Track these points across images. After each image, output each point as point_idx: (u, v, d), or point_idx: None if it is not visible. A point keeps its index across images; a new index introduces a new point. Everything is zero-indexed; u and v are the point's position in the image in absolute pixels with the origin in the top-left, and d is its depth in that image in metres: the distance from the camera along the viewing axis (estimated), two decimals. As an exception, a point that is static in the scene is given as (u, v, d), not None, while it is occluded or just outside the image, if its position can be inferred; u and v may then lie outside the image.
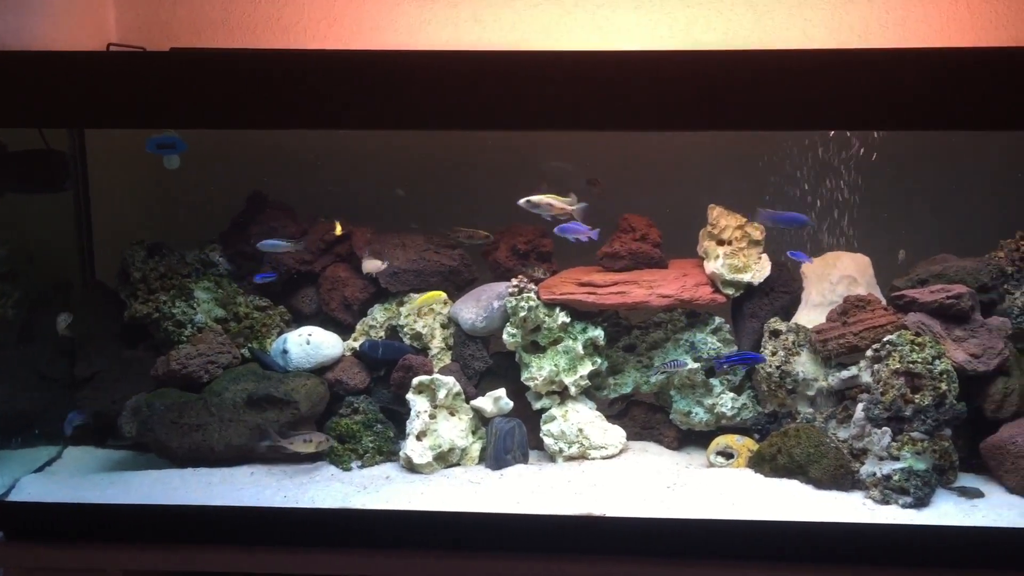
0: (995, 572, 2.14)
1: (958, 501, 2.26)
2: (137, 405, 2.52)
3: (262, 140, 2.84)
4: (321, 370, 2.62)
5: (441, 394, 2.55)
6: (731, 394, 2.63)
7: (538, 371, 2.60)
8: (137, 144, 2.53)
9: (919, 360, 2.30)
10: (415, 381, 2.55)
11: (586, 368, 2.62)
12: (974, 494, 2.27)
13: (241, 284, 2.74)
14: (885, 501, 2.24)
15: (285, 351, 2.59)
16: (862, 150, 2.69)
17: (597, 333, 2.63)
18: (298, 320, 2.75)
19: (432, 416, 2.53)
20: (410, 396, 2.55)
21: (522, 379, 2.62)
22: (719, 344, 2.62)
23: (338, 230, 2.73)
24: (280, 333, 2.68)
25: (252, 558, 2.25)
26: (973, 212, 2.77)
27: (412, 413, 2.53)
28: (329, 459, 2.53)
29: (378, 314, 2.71)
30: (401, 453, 2.50)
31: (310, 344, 2.60)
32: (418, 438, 2.50)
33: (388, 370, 2.65)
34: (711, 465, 2.52)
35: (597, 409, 2.67)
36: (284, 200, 2.83)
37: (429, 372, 2.59)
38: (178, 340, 2.59)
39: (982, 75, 2.02)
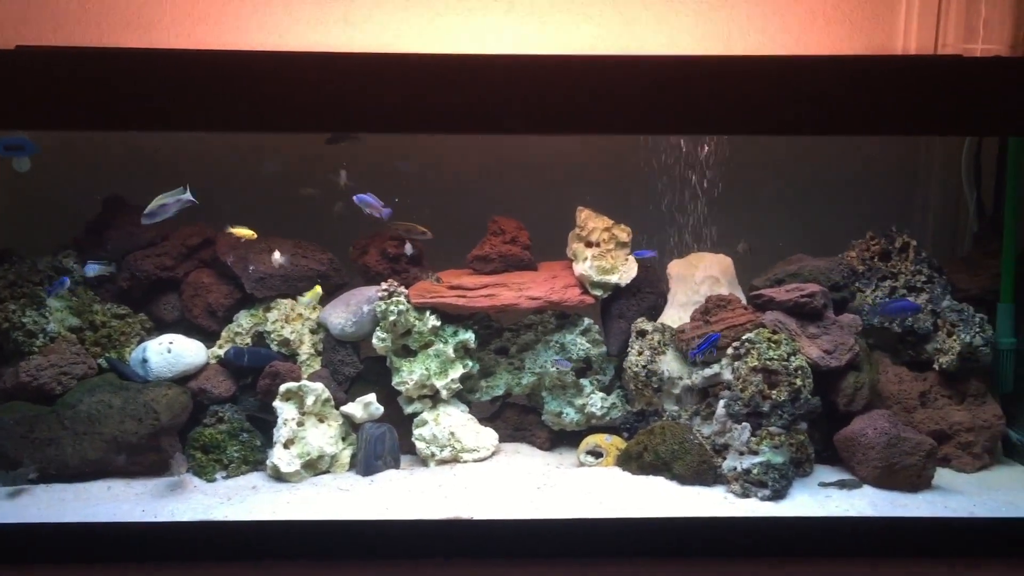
0: (849, 559, 2.22)
1: (814, 492, 2.34)
2: (-17, 420, 2.40)
3: (124, 141, 2.76)
4: (184, 379, 2.54)
5: (309, 401, 2.50)
6: (601, 394, 2.67)
7: (409, 375, 2.59)
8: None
9: (775, 357, 2.37)
10: (282, 388, 2.50)
11: (457, 371, 2.62)
12: (853, 485, 2.36)
13: (98, 291, 2.64)
14: (745, 494, 2.31)
15: (145, 360, 2.50)
16: (718, 153, 2.77)
17: (468, 336, 2.63)
18: (160, 328, 2.66)
19: (300, 423, 2.49)
20: (277, 403, 2.50)
21: (393, 384, 2.60)
22: (588, 345, 2.65)
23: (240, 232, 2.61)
24: (140, 342, 2.58)
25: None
26: (828, 214, 2.88)
27: (279, 421, 2.48)
28: (192, 470, 2.45)
29: (244, 320, 2.65)
30: (268, 462, 2.45)
31: (171, 352, 2.52)
32: (286, 446, 2.45)
33: (255, 378, 2.59)
34: (581, 464, 2.54)
35: (470, 412, 2.67)
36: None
37: (297, 378, 2.54)
38: (29, 351, 2.46)
39: (837, 82, 2.09)
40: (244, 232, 2.56)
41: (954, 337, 2.50)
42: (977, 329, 2.49)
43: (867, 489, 2.36)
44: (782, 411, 2.36)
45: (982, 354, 2.49)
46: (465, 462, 2.56)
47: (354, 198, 2.55)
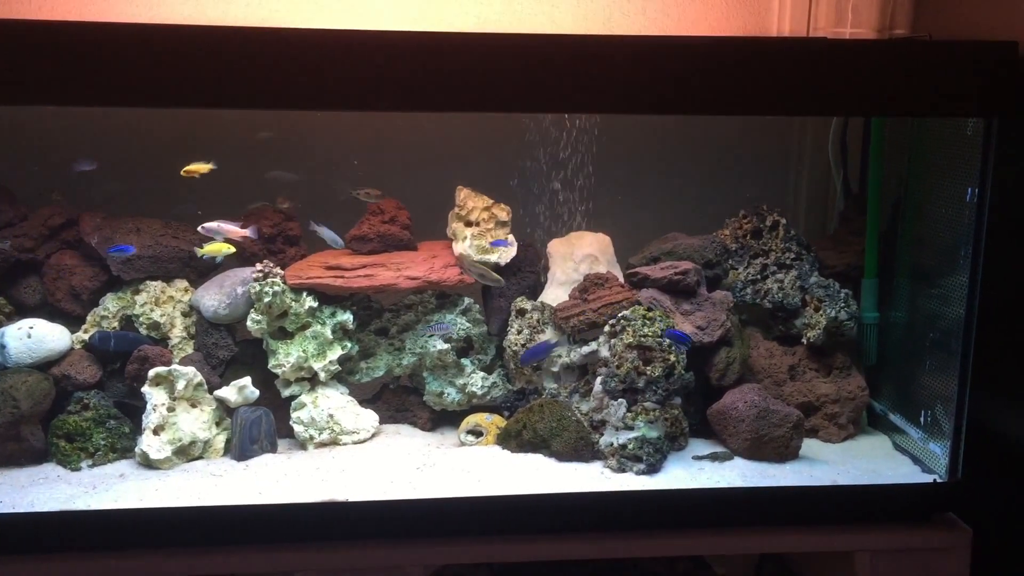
0: (720, 529, 2.29)
1: (687, 465, 2.39)
2: None
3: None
4: (46, 365, 2.43)
5: (180, 385, 2.43)
6: (482, 373, 2.66)
7: (286, 358, 2.54)
8: None
9: (650, 334, 2.41)
10: (151, 373, 2.41)
11: (336, 353, 2.58)
12: (725, 457, 2.41)
13: (-47, 275, 2.51)
14: (621, 469, 2.34)
15: (3, 346, 2.38)
16: (597, 133, 2.80)
17: (346, 317, 2.59)
18: (21, 312, 2.53)
19: (171, 409, 2.41)
20: (146, 389, 2.41)
21: (269, 367, 2.55)
22: (469, 324, 2.65)
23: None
24: (-1, 327, 2.47)
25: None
26: (704, 192, 2.95)
27: (148, 406, 2.40)
28: (55, 460, 2.36)
29: (111, 303, 2.55)
30: (137, 449, 2.37)
31: (31, 338, 2.40)
32: (155, 432, 2.38)
33: (123, 363, 2.50)
34: (462, 444, 2.54)
35: (350, 394, 2.63)
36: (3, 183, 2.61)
37: (167, 363, 2.47)
38: None
39: (712, 62, 2.12)
40: (200, 168, 2.48)
41: (821, 312, 2.59)
42: (842, 304, 2.57)
43: (738, 461, 2.43)
44: (657, 387, 2.40)
45: (847, 328, 2.58)
46: (344, 444, 2.53)
47: (201, 227, 2.51)
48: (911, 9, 2.76)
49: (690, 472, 2.36)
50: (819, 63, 2.13)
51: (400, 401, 2.71)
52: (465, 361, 2.66)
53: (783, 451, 2.41)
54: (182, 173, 2.48)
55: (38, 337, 2.41)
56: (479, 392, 2.64)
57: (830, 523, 2.30)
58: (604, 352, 2.49)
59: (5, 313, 2.51)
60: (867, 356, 2.67)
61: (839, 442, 2.58)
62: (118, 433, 2.41)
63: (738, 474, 2.35)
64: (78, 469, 2.34)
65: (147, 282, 2.56)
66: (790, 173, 3.05)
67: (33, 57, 1.97)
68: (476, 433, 2.55)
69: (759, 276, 2.68)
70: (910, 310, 2.57)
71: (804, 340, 2.63)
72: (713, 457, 2.41)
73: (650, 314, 2.45)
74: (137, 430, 2.42)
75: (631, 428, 2.36)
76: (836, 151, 2.83)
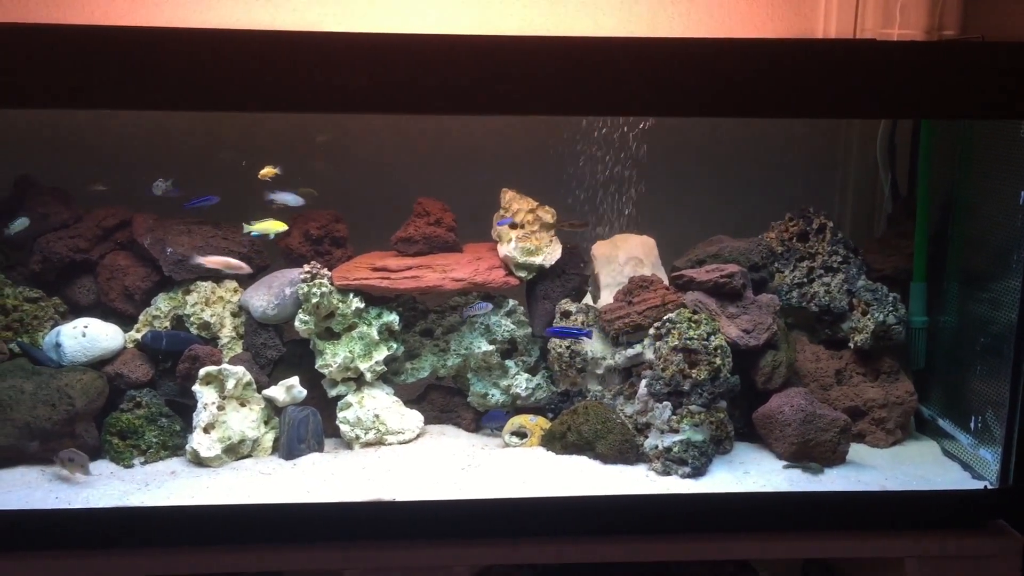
0: (766, 533, 2.27)
1: (733, 469, 2.38)
2: None
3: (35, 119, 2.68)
4: (100, 364, 2.48)
5: (230, 384, 2.46)
6: (526, 375, 2.67)
7: (332, 358, 2.56)
8: None
9: (695, 337, 2.40)
10: (202, 372, 2.45)
11: (382, 354, 2.60)
12: (816, 470, 2.37)
13: (9, 275, 2.56)
14: (666, 472, 2.34)
15: (58, 345, 2.44)
16: (642, 134, 2.80)
17: (392, 318, 2.62)
18: (75, 312, 2.59)
19: (221, 407, 2.45)
20: (197, 388, 2.45)
21: (316, 366, 2.58)
22: (513, 326, 2.66)
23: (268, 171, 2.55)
24: (54, 326, 2.51)
25: (20, 564, 2.11)
26: (749, 195, 2.93)
27: (199, 405, 2.44)
28: (109, 456, 2.41)
29: (162, 303, 2.59)
30: (188, 447, 2.41)
31: (86, 336, 2.45)
32: (205, 431, 2.42)
33: (174, 362, 2.54)
34: (506, 445, 2.55)
35: (395, 394, 2.66)
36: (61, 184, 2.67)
37: (217, 362, 2.50)
38: (-65, 336, 2.40)
39: (759, 64, 2.12)
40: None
41: (868, 316, 2.57)
42: (891, 308, 2.55)
43: (782, 465, 2.42)
44: (702, 390, 2.39)
45: (895, 332, 2.55)
46: (390, 444, 2.56)
47: (203, 260, 2.57)
48: (960, 10, 2.73)
49: (735, 476, 2.35)
50: (868, 65, 2.12)
51: (445, 402, 2.72)
52: (509, 363, 2.67)
53: (830, 456, 2.40)
54: (259, 176, 2.55)
55: (92, 336, 2.46)
56: (523, 394, 2.65)
57: (879, 529, 2.28)
58: (649, 355, 2.48)
59: (60, 312, 2.57)
60: (915, 360, 2.64)
61: (887, 447, 2.56)
62: (169, 431, 2.45)
63: (784, 478, 2.34)
64: (131, 466, 2.39)
65: (198, 283, 2.61)
66: (837, 175, 3.02)
67: (88, 62, 2.01)
68: (520, 434, 2.56)
69: (805, 279, 2.67)
70: (960, 314, 2.54)
71: (851, 344, 2.61)
72: (806, 468, 2.38)
73: (696, 317, 2.45)
74: (188, 428, 2.46)
75: (676, 431, 2.36)
76: (884, 153, 2.81)
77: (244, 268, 2.57)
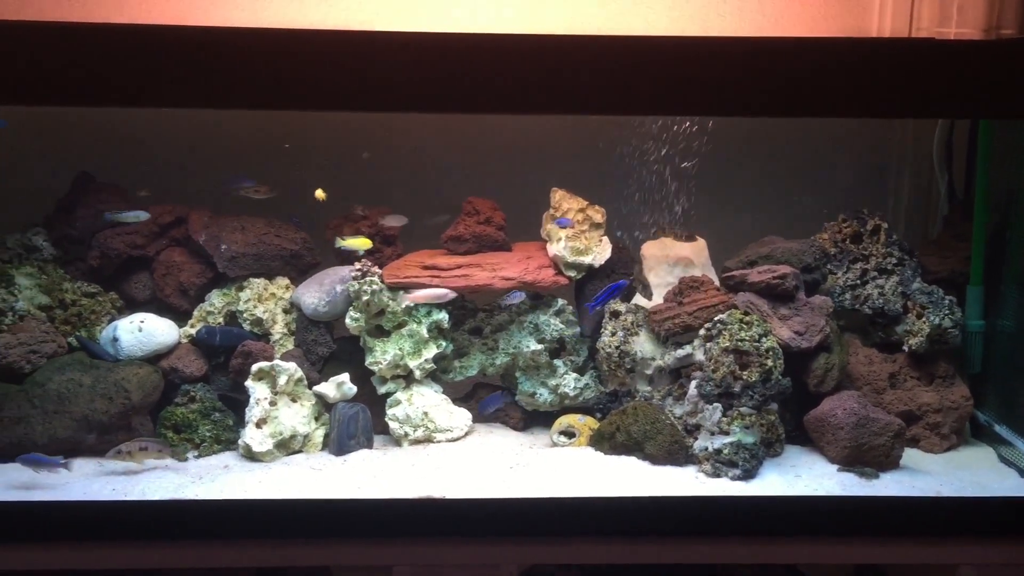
0: (816, 538, 2.25)
1: (783, 472, 2.36)
2: (-49, 398, 2.38)
3: (94, 117, 2.73)
4: (155, 358, 2.53)
5: (282, 380, 2.49)
6: (574, 375, 2.67)
7: (382, 355, 2.58)
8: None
9: (747, 338, 2.39)
10: (254, 367, 2.48)
11: (431, 352, 2.62)
12: (871, 475, 2.34)
13: (68, 270, 2.61)
14: (716, 474, 2.33)
15: (115, 339, 2.49)
16: (693, 134, 2.78)
17: (441, 316, 2.63)
18: (131, 307, 2.64)
19: (272, 403, 2.48)
20: (249, 383, 2.49)
21: (366, 364, 2.60)
22: (562, 325, 2.66)
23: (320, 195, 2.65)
24: (111, 320, 2.56)
25: (79, 554, 2.15)
26: (800, 196, 2.90)
27: (251, 400, 2.47)
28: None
29: (216, 299, 2.63)
30: (240, 441, 2.45)
31: (142, 331, 2.50)
32: (258, 425, 2.45)
33: (227, 357, 2.57)
34: (554, 445, 2.55)
35: (443, 392, 2.67)
36: (117, 181, 2.72)
37: (269, 358, 2.53)
38: (-2, 329, 2.45)
39: (812, 64, 2.10)
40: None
41: (924, 319, 2.53)
42: (946, 311, 2.51)
43: (835, 469, 2.39)
44: (753, 392, 2.37)
45: (951, 336, 2.51)
46: (438, 442, 2.57)
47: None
48: (1019, 8, 2.67)
49: (786, 479, 2.33)
50: (924, 64, 2.09)
51: (496, 395, 2.73)
52: (558, 362, 2.67)
53: (883, 460, 2.36)
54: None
55: (149, 331, 2.51)
56: (571, 393, 2.65)
57: (933, 535, 2.24)
58: (699, 356, 2.47)
59: (117, 307, 2.62)
60: (971, 365, 2.59)
61: (941, 453, 2.52)
62: (222, 425, 2.49)
63: (836, 482, 2.31)
64: (185, 459, 2.42)
65: (251, 279, 2.64)
66: (891, 176, 2.98)
67: (143, 61, 2.05)
68: (569, 434, 2.56)
69: (859, 281, 2.63)
70: (1018, 318, 2.49)
71: (905, 347, 2.57)
72: (860, 473, 2.35)
73: (747, 318, 2.43)
74: (240, 423, 2.50)
75: (726, 433, 2.34)
76: (941, 154, 2.76)
77: (449, 295, 2.57)
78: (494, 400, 2.64)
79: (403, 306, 2.58)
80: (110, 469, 2.32)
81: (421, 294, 2.55)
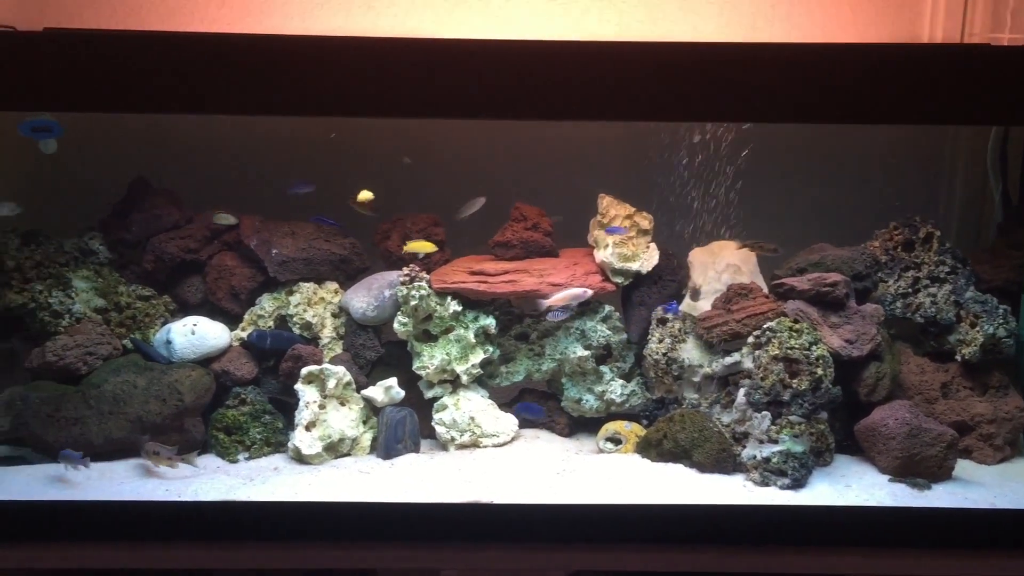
0: (867, 549, 2.22)
1: (834, 482, 2.34)
2: (10, 398, 2.42)
3: (149, 124, 2.77)
4: (207, 361, 2.56)
5: (331, 384, 2.52)
6: (621, 381, 2.67)
7: (430, 360, 2.60)
8: (10, 127, 2.43)
9: (797, 346, 2.37)
10: (304, 371, 2.51)
11: (478, 357, 2.63)
12: (923, 486, 2.31)
13: (123, 273, 2.66)
14: (764, 483, 2.31)
15: (169, 342, 2.53)
16: (741, 140, 2.77)
17: (489, 322, 2.64)
18: (184, 310, 2.68)
19: (322, 406, 2.51)
20: (299, 386, 2.51)
21: (414, 368, 2.61)
22: (609, 332, 2.66)
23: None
24: (164, 323, 2.61)
25: (132, 554, 2.19)
26: (849, 203, 2.87)
27: (301, 403, 2.49)
28: (215, 451, 2.48)
29: (267, 303, 2.66)
30: (290, 444, 2.47)
31: (195, 334, 2.54)
32: (307, 428, 2.47)
33: (277, 360, 2.60)
34: (600, 451, 2.55)
35: (489, 397, 2.68)
36: (172, 186, 2.77)
37: (319, 362, 2.56)
38: (55, 331, 2.49)
39: (863, 70, 2.08)
40: (423, 246, 2.65)
41: (977, 328, 2.49)
42: (1000, 320, 2.47)
43: (886, 479, 2.36)
44: (803, 400, 2.35)
45: (1005, 345, 2.48)
46: (485, 447, 2.58)
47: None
48: (1075, 13, 2.64)
49: (837, 489, 2.31)
50: (978, 70, 2.06)
51: (539, 406, 2.73)
52: (604, 368, 2.67)
53: (936, 471, 2.33)
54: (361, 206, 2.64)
55: (201, 334, 2.54)
56: (618, 400, 2.65)
57: (986, 547, 2.21)
58: (747, 363, 2.46)
59: (170, 310, 2.66)
60: (1026, 375, 2.56)
61: (994, 464, 2.48)
62: (272, 428, 2.52)
63: (887, 493, 2.29)
64: (235, 461, 2.46)
65: (300, 284, 2.67)
66: (943, 183, 2.94)
67: (201, 68, 2.09)
68: (615, 441, 2.55)
69: (910, 289, 2.60)
70: (1075, 328, 2.45)
71: (958, 357, 2.54)
72: (913, 484, 2.32)
73: (797, 326, 2.41)
74: (289, 426, 2.52)
75: (775, 441, 2.32)
76: (995, 161, 2.72)
77: (587, 293, 2.56)
78: (534, 410, 2.64)
79: (450, 310, 2.59)
80: (163, 469, 2.36)
81: (560, 296, 2.54)
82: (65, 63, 2.10)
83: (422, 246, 2.65)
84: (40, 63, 2.10)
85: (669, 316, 2.63)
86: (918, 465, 2.33)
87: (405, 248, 2.67)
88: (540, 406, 2.67)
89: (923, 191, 2.94)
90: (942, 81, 2.07)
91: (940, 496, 2.28)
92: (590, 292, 2.55)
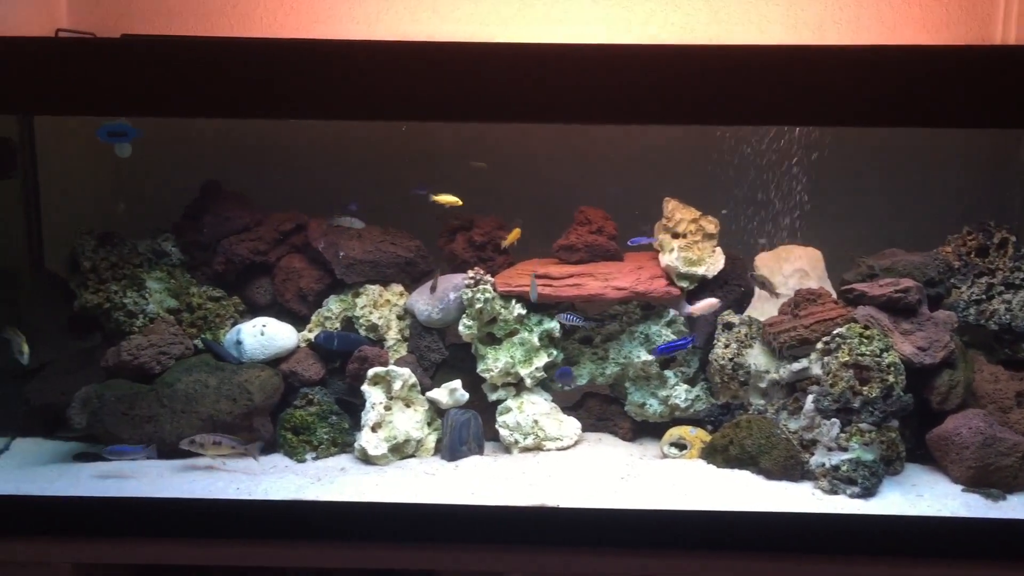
0: (940, 560, 2.18)
1: (905, 491, 2.30)
2: (87, 396, 2.49)
3: (223, 128, 2.83)
4: (276, 361, 2.60)
5: (396, 385, 2.54)
6: (685, 386, 2.65)
7: (494, 363, 2.61)
8: (88, 132, 2.49)
9: (867, 353, 2.33)
10: (370, 372, 2.54)
11: (542, 360, 2.63)
12: (997, 496, 2.28)
13: (194, 275, 2.72)
14: (833, 491, 2.28)
15: (239, 342, 2.57)
16: (809, 144, 2.74)
17: (553, 325, 2.64)
18: (252, 311, 2.73)
19: (387, 408, 2.53)
20: (365, 388, 2.54)
21: (478, 371, 2.63)
22: (673, 336, 2.64)
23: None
24: (234, 324, 2.65)
25: (203, 551, 2.23)
26: (921, 208, 2.82)
27: (367, 404, 2.52)
28: (283, 451, 2.52)
29: (333, 305, 2.70)
30: (356, 445, 2.50)
31: (264, 335, 2.58)
32: (373, 429, 2.50)
33: (343, 361, 2.64)
34: (664, 456, 2.54)
35: (553, 401, 2.68)
36: (242, 189, 2.82)
37: (385, 363, 2.58)
38: (129, 330, 2.55)
39: (933, 72, 2.05)
40: (449, 199, 2.64)
41: (1054, 336, 2.44)
42: (1079, 328, 2.42)
43: (960, 489, 2.31)
44: (873, 408, 2.32)
45: (1083, 354, 2.42)
46: (548, 450, 2.58)
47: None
48: None
49: (908, 498, 2.27)
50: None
51: (602, 410, 2.73)
52: (668, 373, 2.66)
53: (1011, 482, 2.28)
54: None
55: (270, 335, 2.58)
56: (682, 404, 2.63)
57: (1065, 561, 2.16)
58: (816, 370, 2.43)
59: (239, 311, 2.71)
60: (1105, 385, 2.49)
61: (1072, 475, 2.42)
62: (339, 428, 2.54)
63: (961, 503, 2.24)
64: (303, 461, 2.49)
65: (367, 286, 2.70)
66: (1018, 187, 2.88)
67: (273, 74, 2.11)
68: (680, 446, 2.54)
69: (984, 296, 2.55)
70: None
71: (1034, 365, 2.49)
72: (986, 495, 2.28)
73: (868, 333, 2.37)
74: (355, 426, 2.55)
75: (845, 449, 2.29)
76: (1072, 165, 2.66)
77: (719, 304, 2.60)
78: (564, 375, 2.64)
79: (514, 313, 2.60)
80: (233, 467, 2.40)
81: (701, 305, 2.57)
82: (141, 68, 2.14)
83: (450, 199, 2.64)
84: (117, 69, 2.15)
85: (735, 321, 2.61)
86: (992, 475, 2.28)
87: (433, 198, 2.65)
88: (568, 370, 2.66)
89: (999, 195, 2.88)
90: (1016, 84, 2.02)
91: (1015, 507, 2.23)
92: (718, 303, 2.58)
